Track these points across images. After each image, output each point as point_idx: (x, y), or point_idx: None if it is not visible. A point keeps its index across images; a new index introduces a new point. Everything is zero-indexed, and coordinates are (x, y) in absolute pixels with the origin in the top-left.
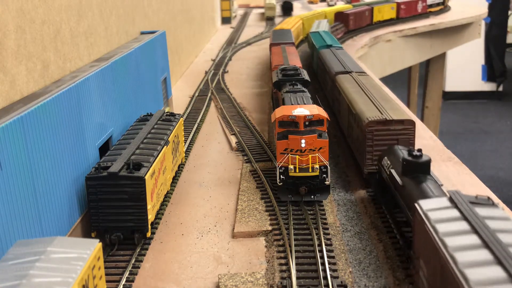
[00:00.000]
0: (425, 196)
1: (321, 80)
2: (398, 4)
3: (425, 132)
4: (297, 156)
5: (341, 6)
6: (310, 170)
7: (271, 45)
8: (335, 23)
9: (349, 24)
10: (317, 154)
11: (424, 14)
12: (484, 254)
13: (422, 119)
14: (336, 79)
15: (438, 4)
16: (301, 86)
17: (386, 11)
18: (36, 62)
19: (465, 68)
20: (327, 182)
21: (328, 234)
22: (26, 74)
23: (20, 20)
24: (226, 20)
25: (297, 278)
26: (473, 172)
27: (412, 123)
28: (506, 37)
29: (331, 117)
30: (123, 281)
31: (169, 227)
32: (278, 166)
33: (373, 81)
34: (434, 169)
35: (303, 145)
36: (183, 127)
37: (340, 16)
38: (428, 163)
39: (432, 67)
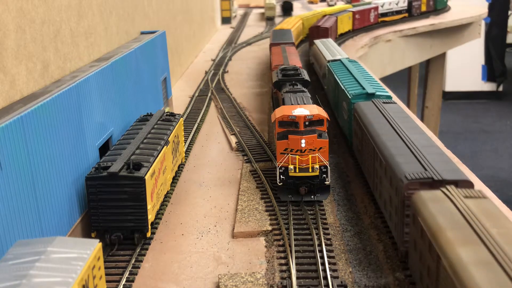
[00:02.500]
0: None
1: (363, 163)
2: (354, 14)
3: (425, 131)
4: (297, 156)
5: (340, 6)
6: (310, 170)
7: (271, 45)
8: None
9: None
10: (317, 154)
11: (376, 24)
12: None
13: (422, 119)
14: (415, 204)
15: (398, 12)
16: (301, 86)
17: (345, 22)
18: (36, 62)
19: (465, 68)
20: (327, 182)
21: (328, 234)
22: (26, 74)
23: (20, 20)
24: (226, 20)
25: (297, 278)
26: (473, 172)
27: None
28: (506, 37)
29: None
30: (123, 281)
31: (169, 227)
32: (278, 166)
33: (503, 218)
34: None
35: (303, 145)
36: (183, 127)
37: (316, 31)
38: None
39: (432, 67)
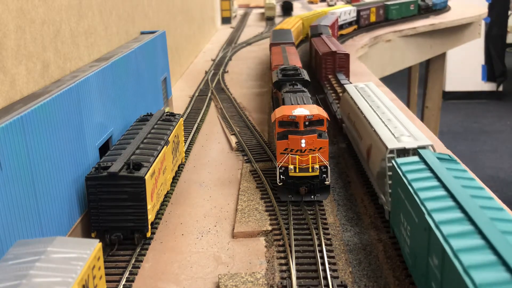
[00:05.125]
0: None
1: None
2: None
3: (425, 132)
4: (297, 156)
5: (340, 6)
6: (310, 170)
7: (271, 45)
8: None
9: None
10: (317, 154)
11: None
12: None
13: (422, 119)
14: None
15: (350, 24)
16: (301, 86)
17: None
18: (36, 62)
19: (465, 68)
20: (327, 182)
21: (328, 234)
22: (26, 74)
23: (20, 20)
24: (226, 20)
25: (297, 278)
26: (473, 172)
27: None
28: (506, 37)
29: None
30: (123, 281)
31: (169, 227)
32: (278, 166)
33: None
34: None
35: (303, 145)
36: (183, 127)
37: (331, 60)
38: None
39: (432, 67)
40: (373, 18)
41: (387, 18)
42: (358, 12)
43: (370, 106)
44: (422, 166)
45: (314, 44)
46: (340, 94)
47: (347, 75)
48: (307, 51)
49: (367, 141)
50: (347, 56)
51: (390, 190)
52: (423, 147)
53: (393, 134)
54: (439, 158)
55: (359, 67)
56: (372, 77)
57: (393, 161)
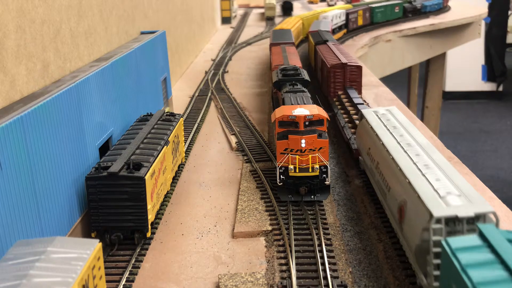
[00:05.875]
0: None
1: None
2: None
3: (425, 132)
4: (297, 156)
5: (340, 6)
6: (310, 170)
7: (271, 45)
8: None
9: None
10: (317, 154)
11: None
12: None
13: (422, 119)
14: None
15: (341, 27)
16: (301, 86)
17: None
18: (36, 62)
19: (465, 68)
20: (327, 182)
21: (328, 234)
22: (26, 74)
23: (20, 20)
24: (226, 20)
25: (297, 278)
26: (473, 172)
27: None
28: (506, 37)
29: None
30: (123, 281)
31: (169, 227)
32: (278, 166)
33: None
34: None
35: (303, 145)
36: (183, 127)
37: (341, 73)
38: None
39: (432, 67)
40: (360, 22)
41: (372, 21)
42: (347, 15)
43: (399, 143)
44: (489, 255)
45: (321, 54)
46: (354, 117)
47: (359, 91)
48: (306, 53)
49: (399, 194)
50: (359, 68)
51: (436, 273)
52: (483, 216)
53: (436, 190)
54: (510, 241)
55: None
56: (372, 77)
57: (443, 242)
